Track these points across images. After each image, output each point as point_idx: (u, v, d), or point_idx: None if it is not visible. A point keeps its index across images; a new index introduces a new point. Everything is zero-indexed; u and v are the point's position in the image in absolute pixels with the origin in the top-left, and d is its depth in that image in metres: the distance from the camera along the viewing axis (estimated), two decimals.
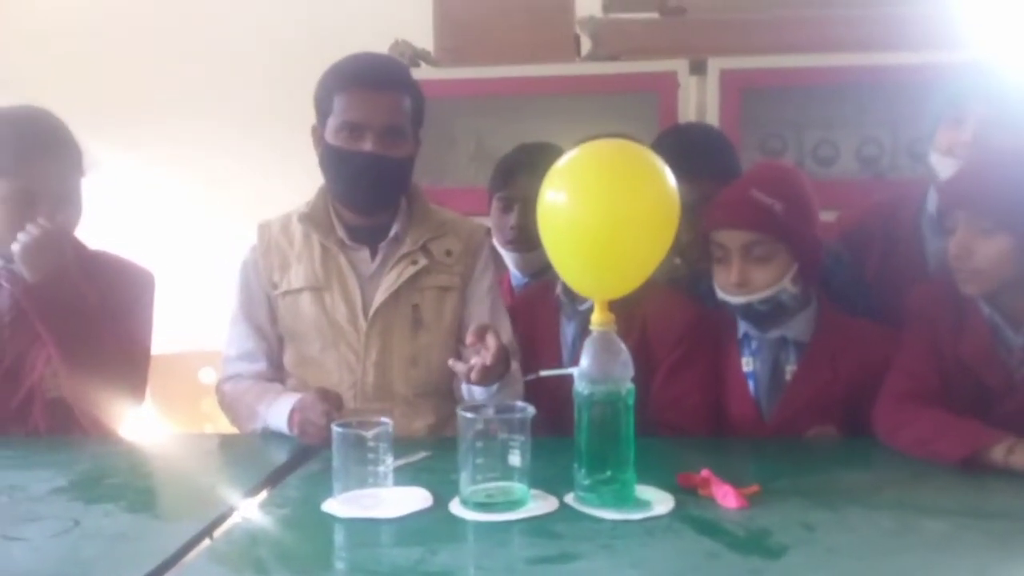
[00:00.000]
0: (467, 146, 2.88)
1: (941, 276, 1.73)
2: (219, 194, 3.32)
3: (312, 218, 1.79)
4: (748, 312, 1.63)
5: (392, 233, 1.78)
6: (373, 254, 1.79)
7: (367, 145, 1.69)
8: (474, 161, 2.80)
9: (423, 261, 1.78)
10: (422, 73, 2.73)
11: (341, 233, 1.79)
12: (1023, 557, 1.08)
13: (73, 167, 1.73)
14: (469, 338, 1.56)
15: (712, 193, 1.75)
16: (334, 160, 1.73)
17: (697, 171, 1.78)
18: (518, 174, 2.07)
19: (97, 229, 1.86)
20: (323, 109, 1.74)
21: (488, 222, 2.14)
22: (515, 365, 1.69)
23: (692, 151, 1.87)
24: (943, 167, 1.76)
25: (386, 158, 1.70)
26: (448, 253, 1.81)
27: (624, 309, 1.63)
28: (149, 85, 3.40)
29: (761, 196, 1.59)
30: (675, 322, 1.74)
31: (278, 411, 1.68)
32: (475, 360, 1.53)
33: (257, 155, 3.21)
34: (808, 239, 1.62)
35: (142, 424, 1.80)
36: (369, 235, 1.79)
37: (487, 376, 1.54)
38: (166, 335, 2.17)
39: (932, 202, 1.85)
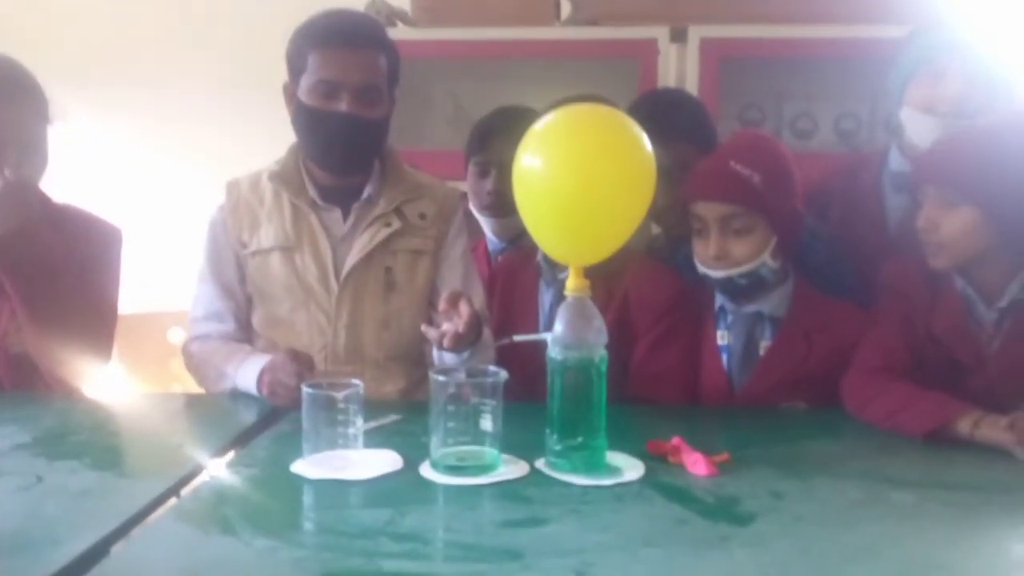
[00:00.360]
0: (444, 108, 2.84)
1: (901, 233, 1.74)
2: (189, 153, 3.27)
3: (283, 177, 1.76)
4: (727, 286, 1.63)
5: (365, 194, 1.76)
6: (345, 215, 1.76)
7: (343, 105, 1.65)
8: (451, 124, 2.77)
9: (396, 223, 1.76)
10: (398, 33, 2.69)
11: (312, 193, 1.76)
12: (987, 528, 1.09)
13: (39, 115, 1.69)
14: (442, 305, 1.55)
15: (688, 158, 1.74)
16: (308, 120, 1.69)
17: (672, 135, 1.75)
18: (494, 138, 2.05)
19: (66, 188, 1.82)
20: (296, 66, 1.69)
21: (464, 186, 2.12)
22: (487, 332, 1.68)
23: (667, 115, 1.84)
24: (920, 124, 1.75)
25: (362, 118, 1.66)
26: (422, 216, 1.79)
27: (606, 280, 1.64)
28: (120, 41, 3.34)
29: (739, 168, 1.58)
30: (657, 295, 1.73)
31: (247, 372, 1.66)
32: (447, 326, 1.52)
33: (228, 114, 3.16)
34: (787, 212, 1.62)
35: (110, 383, 1.78)
36: (341, 195, 1.76)
37: (459, 343, 1.52)
38: (135, 295, 2.15)
39: (895, 160, 1.85)
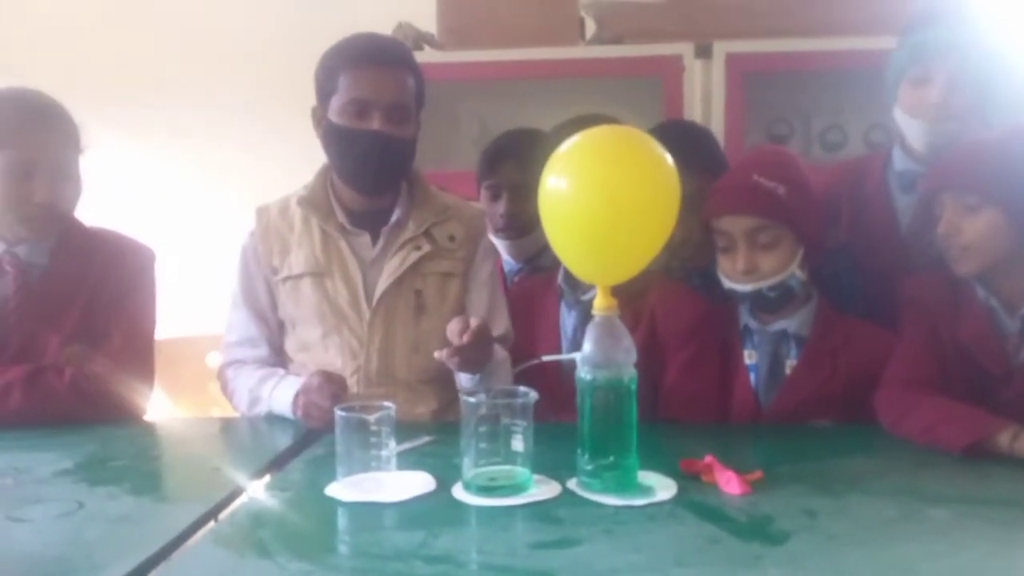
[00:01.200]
0: (470, 130, 2.87)
1: (912, 233, 1.73)
2: (222, 176, 3.31)
3: (311, 202, 1.78)
4: (756, 299, 1.62)
5: (394, 218, 1.77)
6: (374, 239, 1.78)
7: (374, 123, 1.67)
8: (477, 145, 2.77)
9: (427, 247, 1.77)
10: (425, 56, 2.72)
11: (341, 218, 1.78)
12: None
13: (71, 142, 1.73)
14: (451, 325, 1.57)
15: (702, 187, 1.73)
16: (340, 139, 1.71)
17: (689, 164, 1.74)
18: (504, 161, 2.08)
19: (99, 213, 1.86)
20: (326, 88, 1.72)
21: None
22: (503, 353, 1.70)
23: (684, 145, 1.82)
24: (909, 128, 1.75)
25: (393, 136, 1.69)
26: (451, 239, 1.80)
27: (632, 301, 1.64)
28: (149, 69, 3.39)
29: (764, 180, 1.58)
30: (684, 316, 1.73)
31: (281, 395, 1.68)
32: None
33: (259, 139, 3.20)
34: (812, 222, 1.62)
35: (151, 407, 1.81)
36: (370, 220, 1.78)
37: (463, 359, 1.54)
38: (172, 320, 2.18)
39: (899, 160, 1.84)
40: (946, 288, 1.56)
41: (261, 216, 1.83)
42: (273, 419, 1.70)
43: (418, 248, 1.76)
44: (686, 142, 1.84)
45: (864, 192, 1.87)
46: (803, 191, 1.61)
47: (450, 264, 1.80)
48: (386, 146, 1.69)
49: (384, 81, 1.68)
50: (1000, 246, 1.48)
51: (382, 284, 1.74)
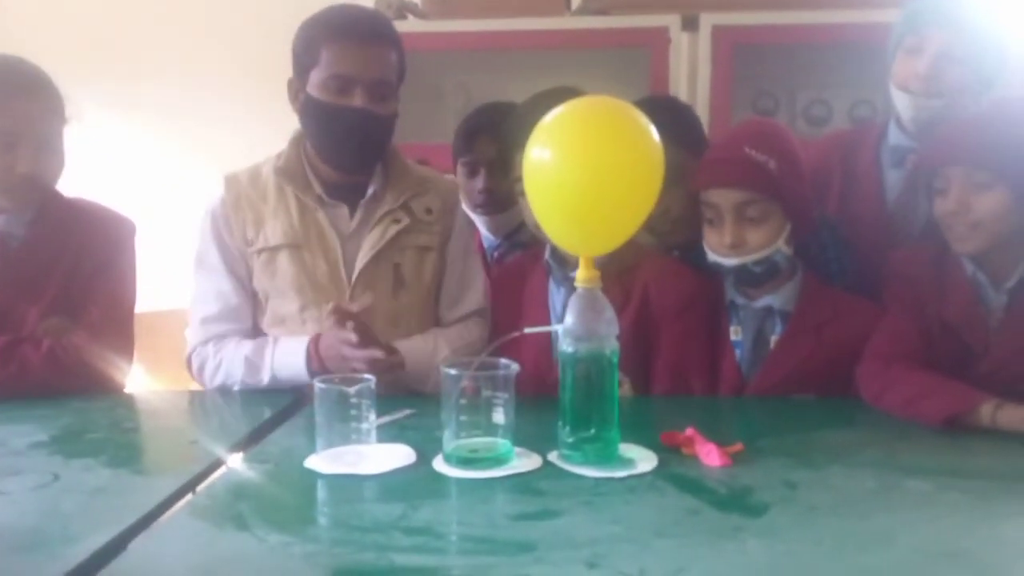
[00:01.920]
0: (455, 101, 2.84)
1: (898, 208, 1.72)
2: (200, 149, 3.28)
3: (287, 172, 1.74)
4: (741, 274, 1.61)
5: (371, 191, 1.75)
6: (351, 212, 1.75)
7: (356, 100, 1.64)
8: (462, 116, 2.76)
9: (405, 220, 1.75)
10: (409, 25, 2.69)
11: (318, 189, 1.74)
12: (1004, 516, 1.09)
13: (54, 112, 1.70)
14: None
15: (680, 163, 1.71)
16: (320, 114, 1.67)
17: (665, 139, 1.73)
18: (480, 137, 2.06)
19: (79, 185, 1.83)
20: (305, 61, 1.67)
21: None
22: (435, 343, 1.73)
23: (659, 120, 1.81)
24: (899, 101, 1.74)
25: (375, 114, 1.65)
26: (428, 211, 1.78)
27: (622, 277, 1.63)
28: (132, 40, 3.35)
29: (755, 153, 1.56)
30: (676, 291, 1.70)
31: (288, 352, 1.65)
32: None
33: (239, 111, 3.17)
34: (800, 197, 1.60)
35: (129, 381, 1.79)
36: (347, 192, 1.75)
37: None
38: (151, 293, 2.16)
39: (894, 135, 1.83)
40: (931, 263, 1.56)
41: (231, 185, 1.78)
42: (252, 392, 1.68)
43: (397, 221, 1.74)
44: (666, 116, 1.80)
45: (856, 165, 1.86)
46: (793, 166, 1.60)
47: (427, 238, 1.78)
48: (368, 123, 1.66)
49: (368, 57, 1.64)
50: (1006, 225, 1.47)
51: (362, 258, 1.72)
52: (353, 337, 1.53)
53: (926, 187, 1.56)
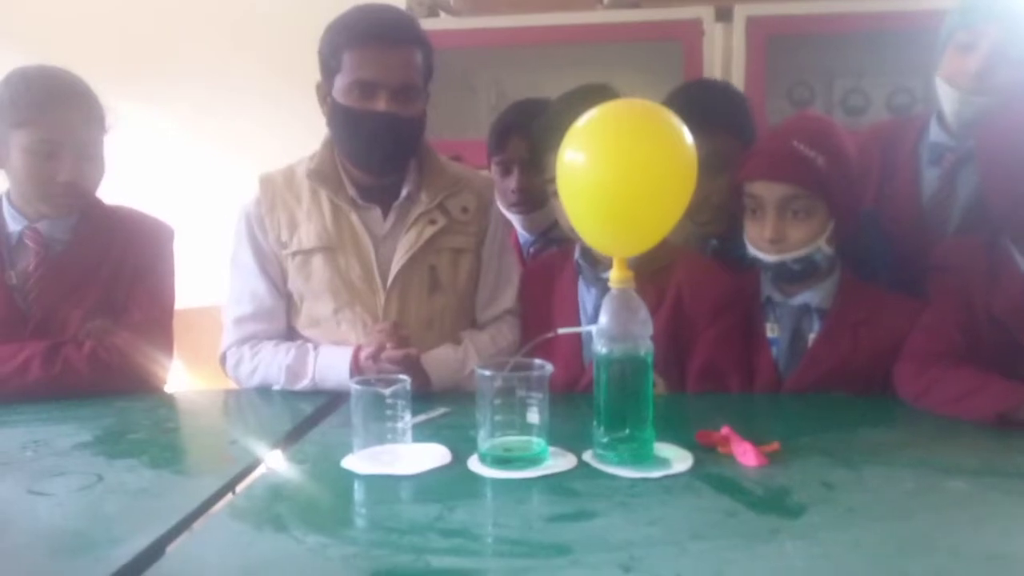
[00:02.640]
0: (488, 97, 2.85)
1: (932, 208, 1.69)
2: (237, 147, 3.32)
3: (320, 174, 1.74)
4: (779, 270, 1.60)
5: (405, 192, 1.75)
6: (385, 213, 1.75)
7: (380, 104, 1.63)
8: (495, 112, 2.76)
9: (442, 220, 1.75)
10: (442, 23, 2.70)
11: (351, 191, 1.75)
12: None
13: (95, 122, 1.74)
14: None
15: (719, 149, 1.71)
16: (346, 120, 1.67)
17: (709, 125, 1.69)
18: (513, 136, 2.06)
19: (120, 186, 1.86)
20: (330, 66, 1.67)
21: None
22: (465, 355, 1.74)
23: (705, 105, 1.79)
24: (945, 96, 1.70)
25: (400, 117, 1.65)
26: (464, 210, 1.78)
27: (654, 277, 1.62)
28: (167, 41, 3.39)
29: (803, 148, 1.54)
30: (711, 292, 1.69)
31: (331, 360, 1.67)
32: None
33: (279, 111, 3.19)
34: (848, 197, 1.58)
35: (172, 379, 1.82)
36: (379, 193, 1.75)
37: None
38: (192, 290, 2.19)
39: (934, 132, 1.79)
40: (982, 254, 1.53)
41: (266, 186, 1.78)
42: (289, 392, 1.70)
43: (433, 222, 1.74)
44: (706, 102, 1.83)
45: (895, 158, 1.83)
46: (842, 163, 1.57)
47: (463, 239, 1.78)
48: (393, 127, 1.65)
49: (390, 61, 1.63)
50: None
51: (398, 260, 1.72)
52: (397, 355, 1.57)
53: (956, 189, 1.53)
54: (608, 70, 2.20)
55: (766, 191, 1.56)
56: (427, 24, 2.69)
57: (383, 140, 1.67)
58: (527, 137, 1.85)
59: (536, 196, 2.02)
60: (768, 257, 1.58)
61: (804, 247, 1.56)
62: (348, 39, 1.64)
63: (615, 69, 2.29)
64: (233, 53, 3.32)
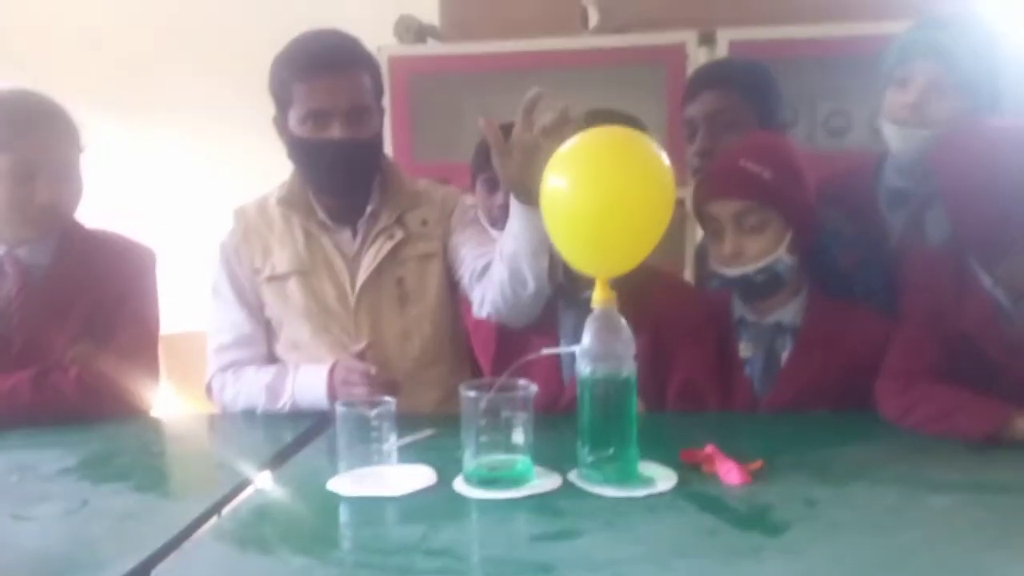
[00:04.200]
0: (474, 121, 2.85)
1: (903, 252, 1.71)
2: (224, 170, 3.32)
3: (290, 201, 1.77)
4: (744, 284, 1.61)
5: (369, 210, 1.77)
6: (354, 234, 1.77)
7: (335, 132, 1.65)
8: (482, 136, 2.79)
9: (399, 234, 1.76)
10: (428, 48, 2.72)
11: (322, 215, 1.77)
12: None
13: (71, 142, 1.74)
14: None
15: (731, 108, 1.89)
16: (304, 152, 1.69)
17: (722, 84, 1.92)
18: None
19: (100, 204, 1.86)
20: (282, 99, 1.69)
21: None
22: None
23: (725, 68, 2.08)
24: (887, 133, 1.71)
25: (356, 141, 1.67)
26: (424, 223, 1.79)
27: (635, 300, 1.63)
28: (157, 68, 3.41)
29: (750, 165, 1.58)
30: (688, 314, 1.73)
31: (308, 379, 1.66)
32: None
33: (262, 130, 3.21)
34: (800, 205, 1.60)
35: (158, 404, 1.82)
36: (349, 215, 1.77)
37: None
38: (178, 314, 2.19)
39: (891, 177, 1.79)
40: (950, 271, 1.55)
41: (239, 217, 1.82)
42: (274, 416, 1.70)
43: (391, 237, 1.76)
44: (727, 66, 2.13)
45: (852, 203, 1.78)
46: (791, 174, 1.60)
47: (427, 245, 1.79)
48: (350, 152, 1.67)
49: (338, 87, 1.65)
50: None
51: (361, 277, 1.74)
52: (371, 370, 1.57)
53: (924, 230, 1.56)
54: (592, 94, 2.22)
55: (720, 209, 1.60)
56: (414, 50, 2.72)
57: (342, 166, 1.69)
58: None
59: None
60: (731, 272, 1.60)
61: (764, 258, 1.58)
62: (294, 72, 1.66)
63: (599, 93, 2.30)
64: (219, 78, 3.33)
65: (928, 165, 1.57)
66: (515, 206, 1.55)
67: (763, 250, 1.59)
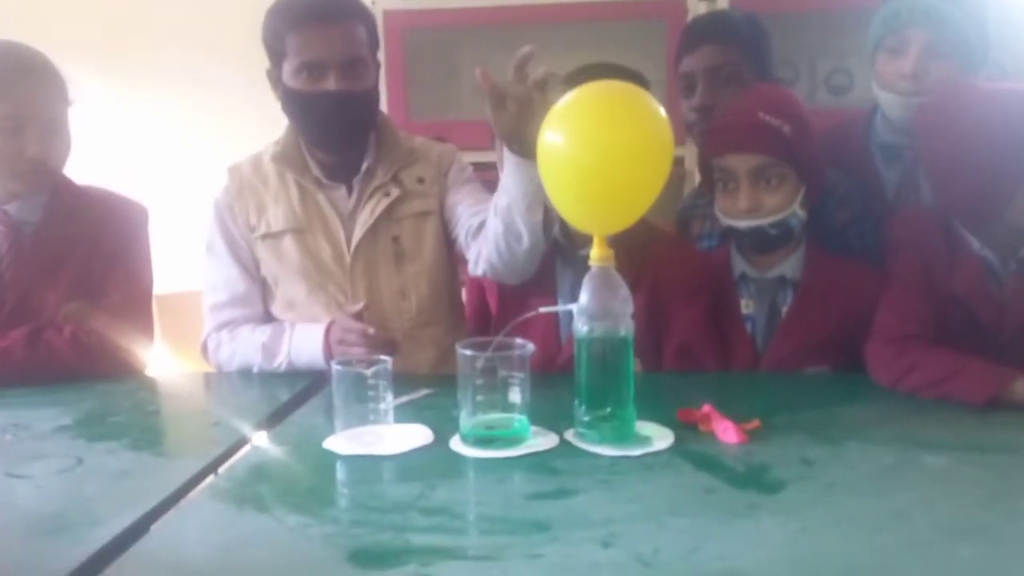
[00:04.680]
0: (471, 77, 2.82)
1: (900, 206, 1.70)
2: (220, 129, 3.28)
3: (285, 157, 1.75)
4: (755, 237, 1.60)
5: (364, 167, 1.75)
6: (350, 191, 1.75)
7: (330, 83, 1.62)
8: (478, 93, 2.75)
9: (395, 192, 1.74)
10: (424, 2, 2.68)
11: (317, 172, 1.75)
12: (1022, 491, 1.07)
13: (59, 95, 1.71)
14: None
15: (730, 63, 1.87)
16: (298, 104, 1.67)
17: (721, 39, 1.90)
18: None
19: (92, 162, 1.84)
20: (276, 51, 1.66)
21: (491, 156, 2.10)
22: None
23: (721, 20, 2.03)
24: (884, 102, 1.72)
25: (352, 93, 1.65)
26: (420, 180, 1.77)
27: (632, 257, 1.63)
28: (150, 25, 3.35)
29: (770, 118, 1.55)
30: (686, 273, 1.71)
31: (304, 339, 1.65)
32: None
33: (256, 86, 3.17)
34: (815, 161, 1.59)
35: (154, 363, 1.81)
36: (344, 171, 1.75)
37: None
38: (175, 274, 2.17)
39: (883, 132, 1.79)
40: (940, 231, 1.53)
41: (233, 174, 1.80)
42: (270, 374, 1.70)
43: (387, 194, 1.74)
44: (723, 19, 2.06)
45: (847, 159, 1.80)
46: (806, 129, 1.58)
47: (423, 203, 1.77)
48: (346, 104, 1.65)
49: (333, 38, 1.62)
50: None
51: (357, 235, 1.73)
52: (370, 329, 1.55)
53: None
54: (592, 49, 2.19)
55: (738, 163, 1.57)
56: (409, 3, 2.68)
57: (337, 119, 1.67)
58: None
59: None
60: (744, 223, 1.58)
61: (780, 212, 1.57)
62: (289, 22, 1.63)
63: (599, 48, 2.27)
64: (213, 36, 3.28)
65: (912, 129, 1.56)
66: (509, 158, 1.52)
67: (781, 204, 1.57)
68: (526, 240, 1.57)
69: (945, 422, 1.32)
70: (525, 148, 1.43)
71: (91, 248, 1.75)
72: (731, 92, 1.83)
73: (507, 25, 2.65)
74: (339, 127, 1.68)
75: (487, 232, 1.64)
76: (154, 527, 1.04)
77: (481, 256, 1.68)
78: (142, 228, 1.84)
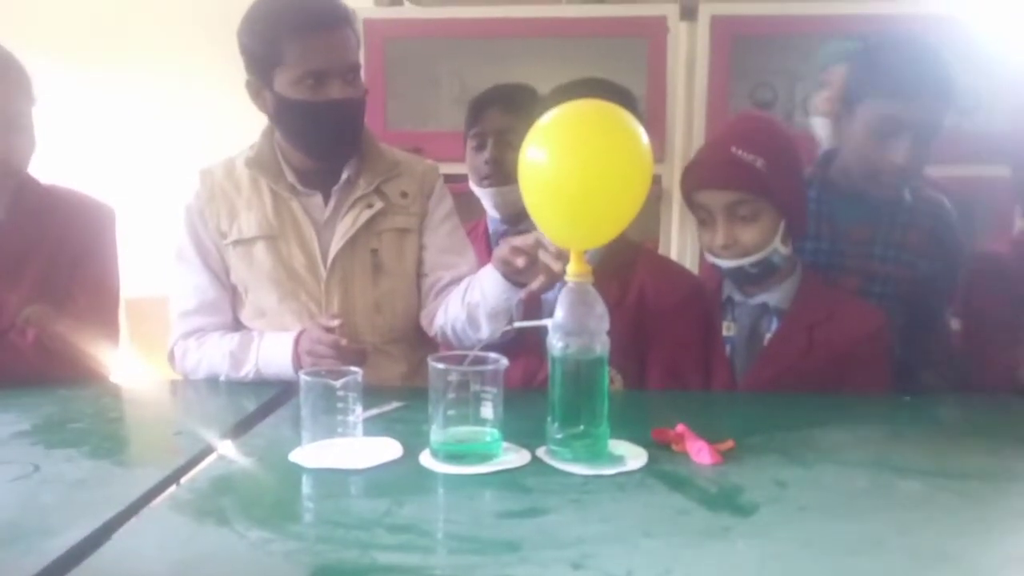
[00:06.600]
0: (451, 89, 2.82)
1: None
2: (189, 133, 3.25)
3: (260, 163, 1.71)
4: (738, 275, 1.60)
5: (345, 176, 1.72)
6: (325, 199, 1.72)
7: (335, 91, 1.59)
8: (458, 104, 2.74)
9: (379, 204, 1.72)
10: (405, 12, 2.67)
11: (291, 178, 1.72)
12: (998, 518, 1.07)
13: (21, 92, 1.66)
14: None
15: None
16: (298, 113, 1.61)
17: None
18: (489, 109, 2.03)
19: (58, 161, 1.80)
20: (266, 60, 1.59)
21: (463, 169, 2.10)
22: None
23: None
24: (819, 128, 1.83)
25: (352, 100, 1.63)
26: (403, 195, 1.75)
27: (619, 274, 1.62)
28: (124, 24, 3.32)
29: (741, 153, 1.54)
30: (673, 291, 1.70)
31: (273, 348, 1.62)
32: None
33: (229, 88, 3.15)
34: (793, 193, 1.59)
35: (122, 367, 1.77)
36: (320, 179, 1.72)
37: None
38: (145, 279, 2.13)
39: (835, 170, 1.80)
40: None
41: (205, 178, 1.75)
42: (237, 384, 1.66)
43: (370, 206, 1.71)
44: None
45: None
46: (784, 162, 1.57)
47: (404, 219, 1.75)
48: (350, 112, 1.63)
49: (335, 45, 1.59)
50: None
51: (335, 245, 1.70)
52: (342, 341, 1.53)
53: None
54: (573, 65, 2.18)
55: (711, 199, 1.57)
56: (390, 13, 2.67)
57: (343, 127, 1.64)
58: (504, 110, 1.89)
59: (508, 170, 1.99)
60: (725, 263, 1.58)
61: (759, 250, 1.56)
62: (287, 30, 1.57)
63: (580, 64, 2.26)
64: (187, 36, 3.25)
65: None
66: (494, 274, 1.53)
67: (758, 240, 1.56)
68: (484, 333, 1.58)
69: (920, 447, 1.31)
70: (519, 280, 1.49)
71: (55, 249, 1.71)
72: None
73: (487, 39, 2.65)
74: (342, 135, 1.65)
75: (448, 307, 1.65)
76: (110, 539, 1.00)
77: (436, 322, 1.70)
78: (109, 229, 1.80)
